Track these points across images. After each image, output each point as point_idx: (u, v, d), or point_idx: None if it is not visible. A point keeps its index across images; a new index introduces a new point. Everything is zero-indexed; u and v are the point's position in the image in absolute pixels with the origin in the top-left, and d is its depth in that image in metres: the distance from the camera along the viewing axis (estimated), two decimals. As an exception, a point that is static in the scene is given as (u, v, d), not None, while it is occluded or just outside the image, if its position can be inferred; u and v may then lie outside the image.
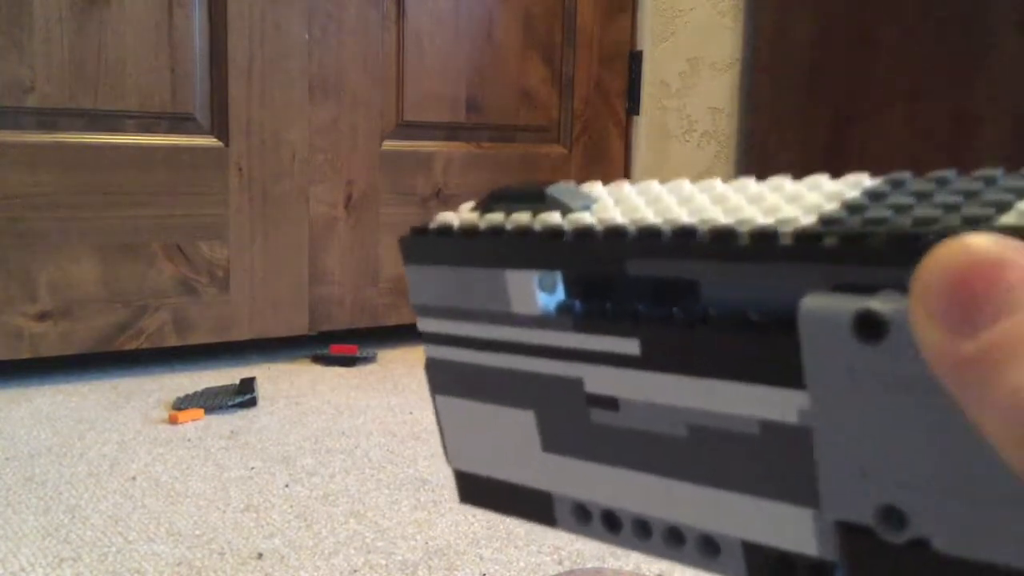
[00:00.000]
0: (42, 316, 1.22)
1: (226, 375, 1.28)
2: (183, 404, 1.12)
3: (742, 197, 0.19)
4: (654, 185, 0.21)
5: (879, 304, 0.15)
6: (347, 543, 0.78)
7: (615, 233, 0.19)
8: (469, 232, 0.22)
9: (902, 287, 0.15)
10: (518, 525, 0.82)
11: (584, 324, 0.20)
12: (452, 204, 1.48)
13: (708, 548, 0.19)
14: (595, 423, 0.21)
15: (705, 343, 0.18)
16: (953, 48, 1.39)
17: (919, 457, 0.16)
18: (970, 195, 0.16)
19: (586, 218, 0.20)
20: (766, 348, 0.17)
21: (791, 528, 0.18)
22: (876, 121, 1.49)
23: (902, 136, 1.46)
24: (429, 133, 1.50)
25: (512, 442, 0.22)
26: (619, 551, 0.77)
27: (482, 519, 0.83)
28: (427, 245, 0.22)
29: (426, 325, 0.23)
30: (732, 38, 1.68)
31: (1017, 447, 0.13)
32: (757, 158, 1.66)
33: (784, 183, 0.19)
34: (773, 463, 0.18)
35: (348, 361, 1.37)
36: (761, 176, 0.20)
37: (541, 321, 0.21)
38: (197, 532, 0.79)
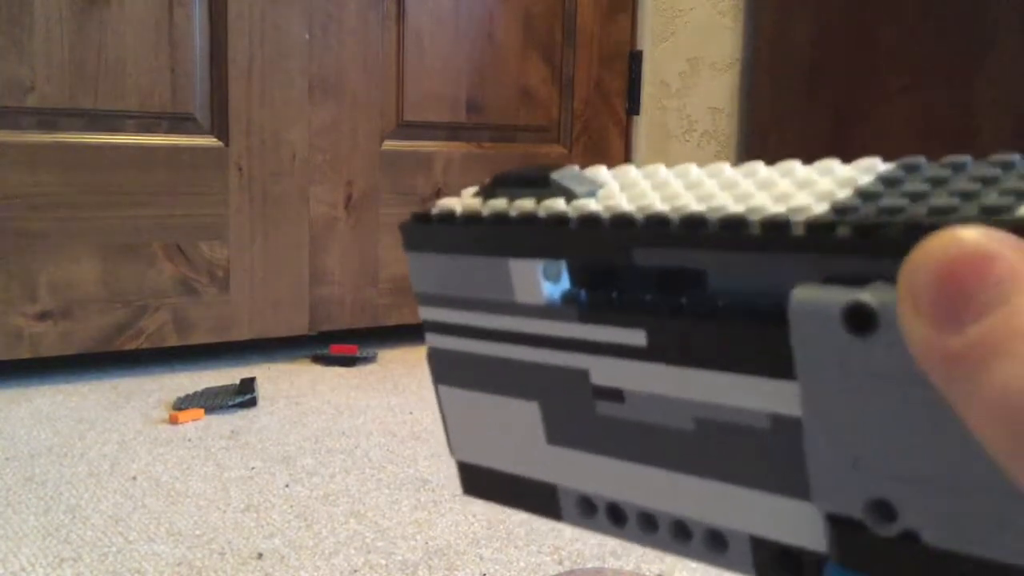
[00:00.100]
0: (42, 316, 1.22)
1: (226, 375, 1.28)
2: (183, 404, 1.12)
3: (751, 183, 0.18)
4: (661, 169, 0.20)
5: (869, 296, 0.15)
6: (347, 543, 0.78)
7: (622, 221, 0.19)
8: (472, 219, 0.21)
9: (894, 279, 0.15)
10: (518, 525, 0.81)
11: (590, 314, 0.20)
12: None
13: (715, 542, 0.19)
14: (600, 415, 0.20)
15: (713, 334, 0.18)
16: (953, 48, 1.39)
17: (909, 450, 0.15)
18: (988, 182, 0.16)
19: (591, 205, 0.19)
20: (775, 340, 0.17)
21: (799, 523, 0.18)
22: (876, 121, 1.49)
23: (902, 136, 1.46)
24: (429, 133, 1.49)
25: (516, 433, 0.22)
26: (619, 551, 0.76)
27: (482, 519, 0.83)
28: (429, 232, 0.22)
29: (428, 313, 0.23)
30: (732, 38, 1.68)
31: (1004, 442, 0.13)
32: (757, 158, 1.65)
33: (795, 167, 0.18)
34: (782, 457, 0.18)
35: (348, 361, 1.37)
36: (767, 166, 0.19)
37: (546, 311, 0.20)
38: (197, 532, 0.79)
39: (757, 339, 0.17)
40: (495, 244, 0.21)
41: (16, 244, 1.20)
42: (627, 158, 1.69)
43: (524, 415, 0.22)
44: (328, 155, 1.40)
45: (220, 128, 1.32)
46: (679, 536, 0.20)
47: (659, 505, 0.20)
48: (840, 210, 0.16)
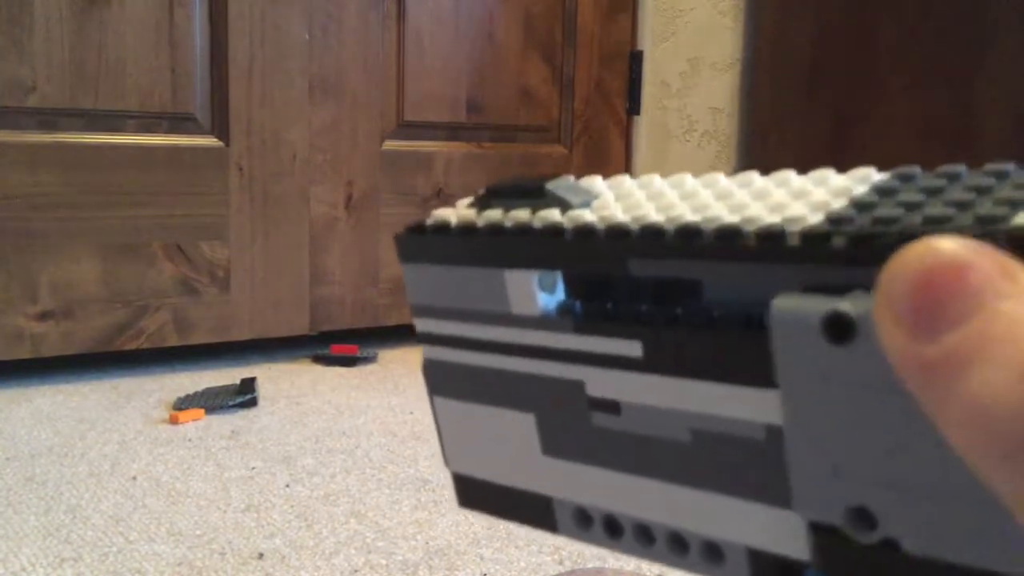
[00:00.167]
0: (43, 316, 1.22)
1: (227, 375, 1.28)
2: (184, 404, 1.12)
3: (746, 193, 0.18)
4: (656, 179, 0.20)
5: (849, 305, 0.15)
6: (348, 543, 0.78)
7: (617, 232, 0.19)
8: (467, 230, 0.21)
9: (873, 288, 0.15)
10: (519, 526, 0.81)
11: (585, 325, 0.20)
12: (452, 204, 1.47)
13: (712, 555, 0.19)
14: (596, 426, 0.20)
15: (710, 345, 0.18)
16: (953, 47, 1.39)
17: (889, 459, 0.16)
18: (982, 191, 0.16)
19: (586, 216, 0.19)
20: (769, 351, 0.17)
21: (796, 536, 0.18)
22: (876, 121, 1.49)
23: (902, 136, 1.46)
24: (429, 133, 1.50)
25: (512, 445, 0.22)
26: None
27: (483, 519, 0.83)
28: (423, 243, 0.22)
29: (423, 325, 0.23)
30: (733, 38, 1.68)
31: (980, 451, 0.13)
32: (758, 158, 1.66)
33: (789, 177, 0.18)
34: (777, 468, 0.18)
35: (349, 361, 1.37)
36: (763, 176, 0.19)
37: (541, 322, 0.20)
38: (198, 532, 0.79)
39: (752, 350, 0.17)
40: (490, 255, 0.21)
41: (17, 244, 1.20)
42: (627, 158, 1.69)
43: (520, 427, 0.21)
44: (328, 155, 1.41)
45: (220, 128, 1.32)
46: (676, 548, 0.20)
47: (656, 517, 0.20)
48: (835, 220, 0.16)
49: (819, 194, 0.17)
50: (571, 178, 0.21)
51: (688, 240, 0.18)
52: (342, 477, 0.93)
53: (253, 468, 0.95)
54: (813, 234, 0.16)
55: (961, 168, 0.16)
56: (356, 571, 0.73)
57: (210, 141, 1.31)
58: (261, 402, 1.17)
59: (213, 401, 1.13)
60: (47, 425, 1.06)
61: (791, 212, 0.17)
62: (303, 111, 1.37)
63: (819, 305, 0.16)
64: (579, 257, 0.19)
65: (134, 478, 0.91)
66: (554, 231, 0.19)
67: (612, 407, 0.20)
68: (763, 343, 0.17)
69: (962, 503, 0.15)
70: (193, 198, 1.30)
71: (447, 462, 0.24)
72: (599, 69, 1.64)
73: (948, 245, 0.14)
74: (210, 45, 1.30)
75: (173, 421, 1.08)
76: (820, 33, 1.56)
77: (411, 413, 1.15)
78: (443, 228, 0.21)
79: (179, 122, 1.29)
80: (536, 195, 0.20)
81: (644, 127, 1.69)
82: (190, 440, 1.03)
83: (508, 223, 0.20)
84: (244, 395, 1.15)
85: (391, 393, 1.24)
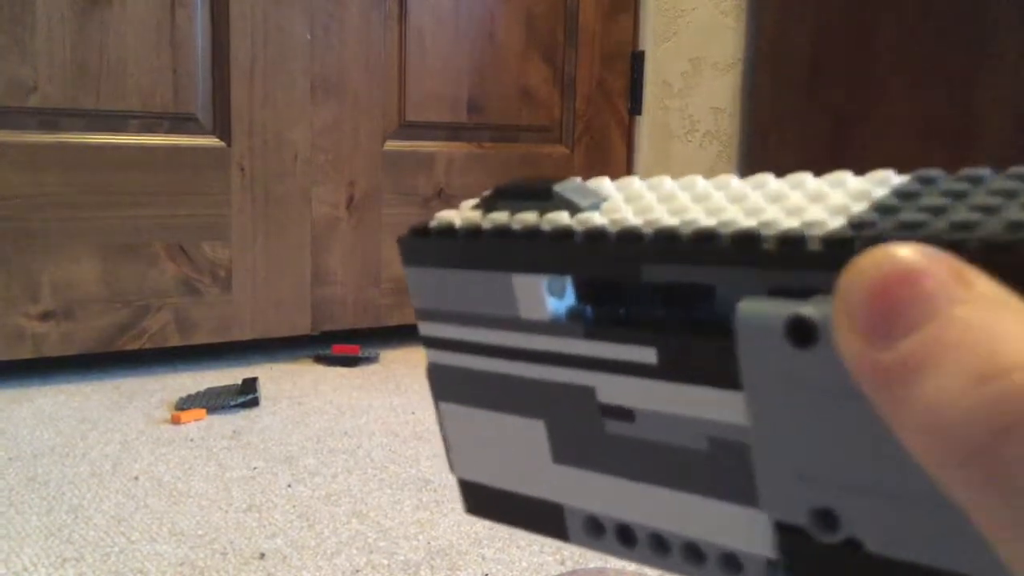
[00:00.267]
0: (44, 316, 1.22)
1: (228, 375, 1.28)
2: (185, 404, 1.12)
3: (761, 195, 0.18)
4: (666, 181, 0.20)
5: (811, 310, 0.15)
6: (349, 543, 0.78)
7: (630, 236, 0.18)
8: (472, 233, 0.20)
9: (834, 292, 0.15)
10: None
11: (596, 331, 0.19)
12: (454, 204, 1.47)
13: (729, 566, 0.19)
14: (609, 434, 0.20)
15: (728, 352, 0.17)
16: (953, 48, 1.39)
17: (851, 461, 0.16)
18: (1009, 195, 0.15)
19: (596, 219, 0.19)
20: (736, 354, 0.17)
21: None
22: (876, 121, 1.49)
23: (902, 136, 1.46)
24: (431, 133, 1.50)
25: (521, 452, 0.21)
26: (622, 551, 0.77)
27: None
28: (428, 246, 0.21)
29: (428, 329, 0.22)
30: (734, 38, 1.69)
31: (935, 457, 0.13)
32: (759, 158, 1.66)
33: (805, 179, 0.18)
34: None
35: (350, 361, 1.37)
36: (776, 178, 0.19)
37: (551, 327, 0.20)
38: (199, 532, 0.79)
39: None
40: (497, 259, 0.20)
41: (18, 244, 1.20)
42: (629, 158, 1.69)
43: (529, 433, 0.21)
44: (330, 155, 1.41)
45: (222, 128, 1.32)
46: (692, 558, 0.19)
47: (671, 526, 0.19)
48: (857, 225, 0.16)
49: (837, 197, 0.17)
50: (578, 179, 0.20)
51: (704, 245, 0.17)
52: (344, 477, 0.93)
53: (255, 468, 0.95)
54: (836, 239, 0.16)
55: (985, 171, 0.16)
56: (358, 571, 0.73)
57: (212, 141, 1.31)
58: (263, 402, 1.17)
59: (215, 401, 1.13)
60: (49, 425, 1.07)
61: (810, 216, 0.16)
62: (305, 111, 1.37)
63: (782, 309, 0.15)
64: (590, 261, 0.19)
65: (136, 478, 0.91)
66: (563, 234, 0.19)
67: (626, 414, 0.19)
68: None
69: (922, 505, 0.15)
70: (195, 198, 1.30)
71: (453, 468, 0.23)
72: (600, 69, 1.64)
73: (904, 252, 0.14)
74: (212, 45, 1.30)
75: (175, 421, 1.08)
76: (820, 33, 1.56)
77: (413, 413, 1.15)
78: (447, 231, 0.21)
79: (180, 122, 1.29)
80: (543, 197, 0.20)
81: (646, 127, 1.69)
82: (192, 440, 1.03)
83: (515, 226, 0.20)
84: (246, 395, 1.15)
85: (393, 393, 1.24)
